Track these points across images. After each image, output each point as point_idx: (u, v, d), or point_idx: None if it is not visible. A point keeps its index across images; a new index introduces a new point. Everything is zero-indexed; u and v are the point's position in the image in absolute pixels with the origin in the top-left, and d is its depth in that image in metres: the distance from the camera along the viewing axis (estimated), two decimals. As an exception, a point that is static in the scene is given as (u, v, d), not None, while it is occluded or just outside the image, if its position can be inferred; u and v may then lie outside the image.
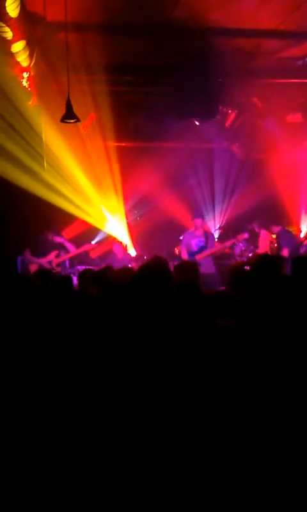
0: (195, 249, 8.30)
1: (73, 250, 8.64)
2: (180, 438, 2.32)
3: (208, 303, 3.13)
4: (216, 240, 10.25)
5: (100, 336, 2.82)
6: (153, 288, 2.82)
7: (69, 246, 8.64)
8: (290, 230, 10.70)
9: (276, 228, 8.71)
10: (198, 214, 9.04)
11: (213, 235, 8.81)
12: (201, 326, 2.76)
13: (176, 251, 9.30)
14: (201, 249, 8.26)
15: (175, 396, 2.40)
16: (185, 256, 8.29)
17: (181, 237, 8.77)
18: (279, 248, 8.54)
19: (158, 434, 2.32)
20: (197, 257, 8.14)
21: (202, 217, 8.97)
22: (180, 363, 2.49)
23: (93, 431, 2.40)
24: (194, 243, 8.34)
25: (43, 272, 5.56)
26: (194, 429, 2.34)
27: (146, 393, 2.41)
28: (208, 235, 8.49)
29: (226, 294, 4.23)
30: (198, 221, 8.48)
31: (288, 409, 2.48)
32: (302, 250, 9.38)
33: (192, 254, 8.23)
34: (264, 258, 3.40)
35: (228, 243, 8.79)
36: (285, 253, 8.35)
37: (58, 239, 8.60)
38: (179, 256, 8.55)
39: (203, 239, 8.33)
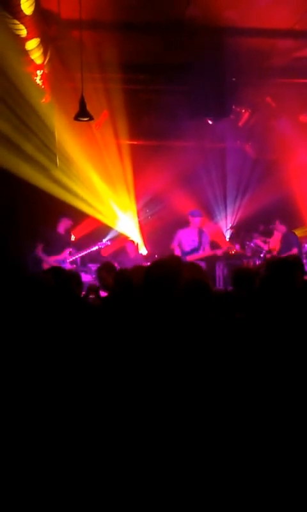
0: (187, 249, 7.99)
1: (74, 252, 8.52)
2: (191, 435, 2.31)
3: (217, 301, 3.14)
4: (227, 239, 10.21)
5: (109, 332, 2.82)
6: (161, 287, 2.81)
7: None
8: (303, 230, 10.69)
9: (284, 228, 8.63)
10: (195, 212, 8.32)
11: (207, 237, 8.24)
12: (218, 319, 2.77)
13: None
14: (193, 250, 7.97)
15: (187, 389, 2.39)
16: (178, 254, 7.85)
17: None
18: (289, 248, 8.44)
19: (168, 432, 2.32)
20: (188, 258, 7.77)
21: (198, 215, 8.21)
22: (194, 356, 2.48)
23: (104, 425, 2.39)
24: (187, 243, 8.02)
25: (56, 270, 5.56)
26: (209, 425, 2.33)
27: (156, 389, 2.41)
28: (202, 236, 8.07)
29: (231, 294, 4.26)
30: (196, 220, 8.07)
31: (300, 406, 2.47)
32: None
33: (184, 254, 7.93)
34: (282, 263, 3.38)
35: (219, 251, 8.20)
36: (294, 252, 8.29)
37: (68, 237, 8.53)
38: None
39: (196, 239, 8.01)
